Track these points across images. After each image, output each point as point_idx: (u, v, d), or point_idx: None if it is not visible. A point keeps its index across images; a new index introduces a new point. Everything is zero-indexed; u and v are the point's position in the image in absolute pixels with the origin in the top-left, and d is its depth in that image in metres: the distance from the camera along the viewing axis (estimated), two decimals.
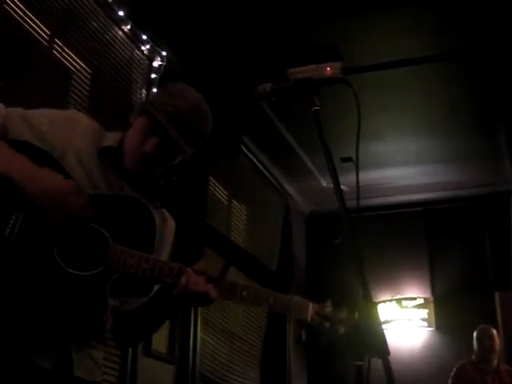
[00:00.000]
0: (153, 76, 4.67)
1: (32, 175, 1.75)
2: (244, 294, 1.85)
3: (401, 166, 6.74)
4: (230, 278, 1.91)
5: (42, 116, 1.90)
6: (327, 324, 1.88)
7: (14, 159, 1.76)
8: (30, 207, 1.76)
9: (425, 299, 7.10)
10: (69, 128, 1.90)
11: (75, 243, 1.78)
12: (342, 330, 1.87)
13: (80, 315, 1.74)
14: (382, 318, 6.92)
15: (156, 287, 1.97)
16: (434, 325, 7.04)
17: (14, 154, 1.77)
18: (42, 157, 1.81)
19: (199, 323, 5.16)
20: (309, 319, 1.87)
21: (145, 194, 1.96)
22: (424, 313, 7.05)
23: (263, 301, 1.87)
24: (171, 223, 2.03)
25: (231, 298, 1.86)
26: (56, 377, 1.77)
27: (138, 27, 4.50)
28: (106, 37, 4.32)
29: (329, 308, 1.89)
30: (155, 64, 4.69)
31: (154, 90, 4.57)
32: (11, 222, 1.74)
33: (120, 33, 4.44)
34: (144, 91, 4.63)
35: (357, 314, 1.85)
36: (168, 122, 1.87)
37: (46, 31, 3.80)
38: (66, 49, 3.95)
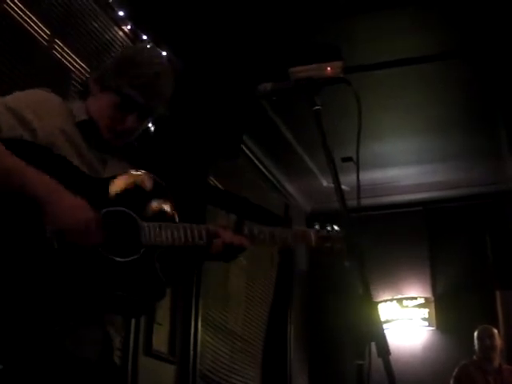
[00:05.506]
0: None
1: (56, 197, 1.71)
2: (262, 236, 2.00)
3: (401, 165, 6.73)
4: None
5: (23, 102, 1.85)
6: (328, 244, 2.10)
7: (39, 180, 1.71)
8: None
9: (425, 299, 7.09)
10: (49, 110, 1.87)
11: (109, 232, 1.77)
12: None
13: (144, 300, 1.79)
14: (382, 317, 6.92)
15: None
16: (434, 324, 7.03)
17: (38, 174, 1.72)
18: (42, 155, 1.78)
19: (200, 323, 5.16)
20: (313, 243, 2.09)
21: (123, 159, 1.99)
22: (425, 312, 7.03)
23: (276, 238, 2.03)
24: None
25: (254, 242, 1.99)
26: (100, 367, 1.80)
27: (138, 27, 4.50)
28: (106, 37, 4.32)
29: (325, 231, 2.13)
30: None
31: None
32: (48, 235, 1.70)
33: (120, 33, 4.44)
34: None
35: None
36: (141, 95, 1.87)
37: (46, 31, 3.80)
38: (65, 49, 3.95)
